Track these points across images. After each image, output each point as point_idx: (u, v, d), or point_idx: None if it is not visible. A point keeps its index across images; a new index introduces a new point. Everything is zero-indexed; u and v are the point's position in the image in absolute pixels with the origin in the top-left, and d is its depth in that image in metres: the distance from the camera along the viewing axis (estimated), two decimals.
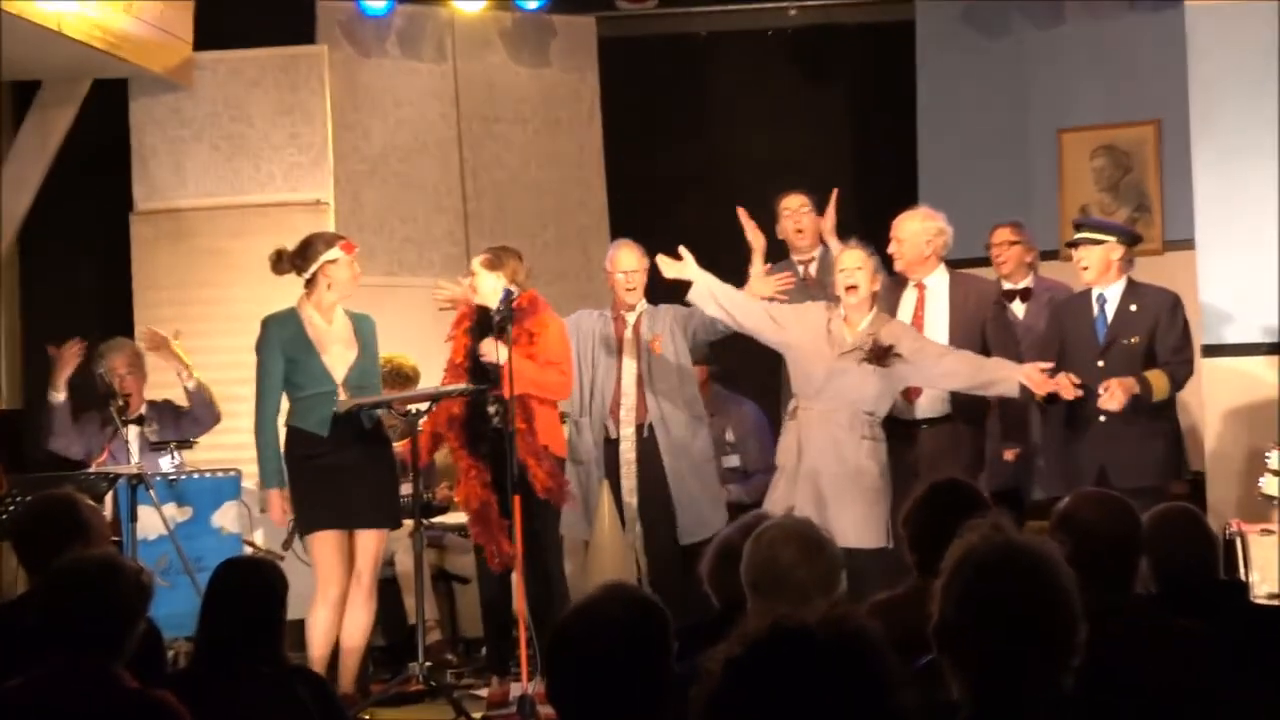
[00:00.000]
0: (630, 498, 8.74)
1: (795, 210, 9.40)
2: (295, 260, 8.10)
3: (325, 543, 7.98)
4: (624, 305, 8.86)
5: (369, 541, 8.03)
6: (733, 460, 9.96)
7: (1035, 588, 3.02)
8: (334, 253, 8.07)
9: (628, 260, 8.82)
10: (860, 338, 8.05)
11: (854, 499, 7.95)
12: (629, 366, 8.79)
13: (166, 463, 8.61)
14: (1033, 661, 3.00)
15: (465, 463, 8.32)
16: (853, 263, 8.13)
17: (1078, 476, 7.99)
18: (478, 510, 8.27)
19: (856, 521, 7.90)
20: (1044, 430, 8.81)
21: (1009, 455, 8.61)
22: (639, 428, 8.74)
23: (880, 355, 7.99)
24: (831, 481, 7.95)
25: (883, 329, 8.08)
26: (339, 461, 7.93)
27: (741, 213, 9.08)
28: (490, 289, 8.27)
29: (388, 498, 8.14)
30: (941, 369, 8.11)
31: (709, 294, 8.24)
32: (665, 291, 8.86)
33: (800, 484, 7.98)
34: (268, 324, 8.10)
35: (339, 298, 8.11)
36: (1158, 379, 8.15)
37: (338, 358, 8.05)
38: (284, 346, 8.00)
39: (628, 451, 8.77)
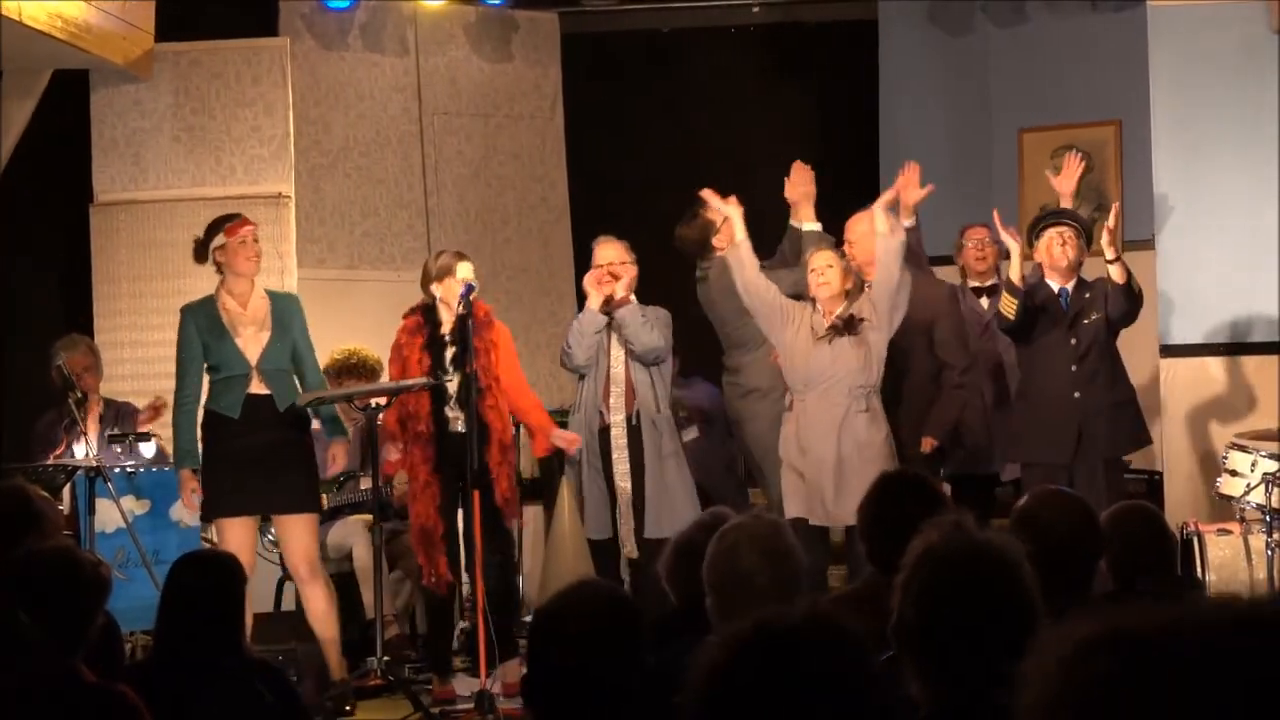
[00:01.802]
0: (624, 481, 8.67)
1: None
2: (198, 249, 8.06)
3: (230, 529, 7.81)
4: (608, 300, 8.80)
5: (293, 529, 7.89)
6: (692, 432, 9.97)
7: (996, 586, 3.02)
8: (219, 239, 7.97)
9: (606, 254, 8.77)
10: (820, 322, 8.22)
11: (861, 475, 8.03)
12: (616, 354, 8.74)
13: (124, 456, 8.58)
14: (993, 661, 2.99)
15: (424, 478, 8.27)
16: (823, 262, 8.32)
17: (1057, 447, 8.29)
18: (422, 528, 8.24)
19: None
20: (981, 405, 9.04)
21: (926, 446, 8.67)
22: (628, 415, 8.71)
23: (849, 325, 8.14)
24: (837, 463, 8.05)
25: (850, 308, 8.25)
26: (250, 445, 7.78)
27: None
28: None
29: (305, 482, 7.96)
30: (888, 295, 8.23)
31: (749, 259, 8.34)
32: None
33: (808, 473, 8.07)
34: (184, 311, 8.02)
35: (243, 279, 7.98)
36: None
37: (250, 340, 7.91)
38: (200, 332, 7.89)
39: (619, 438, 8.69)
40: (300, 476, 7.92)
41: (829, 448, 8.11)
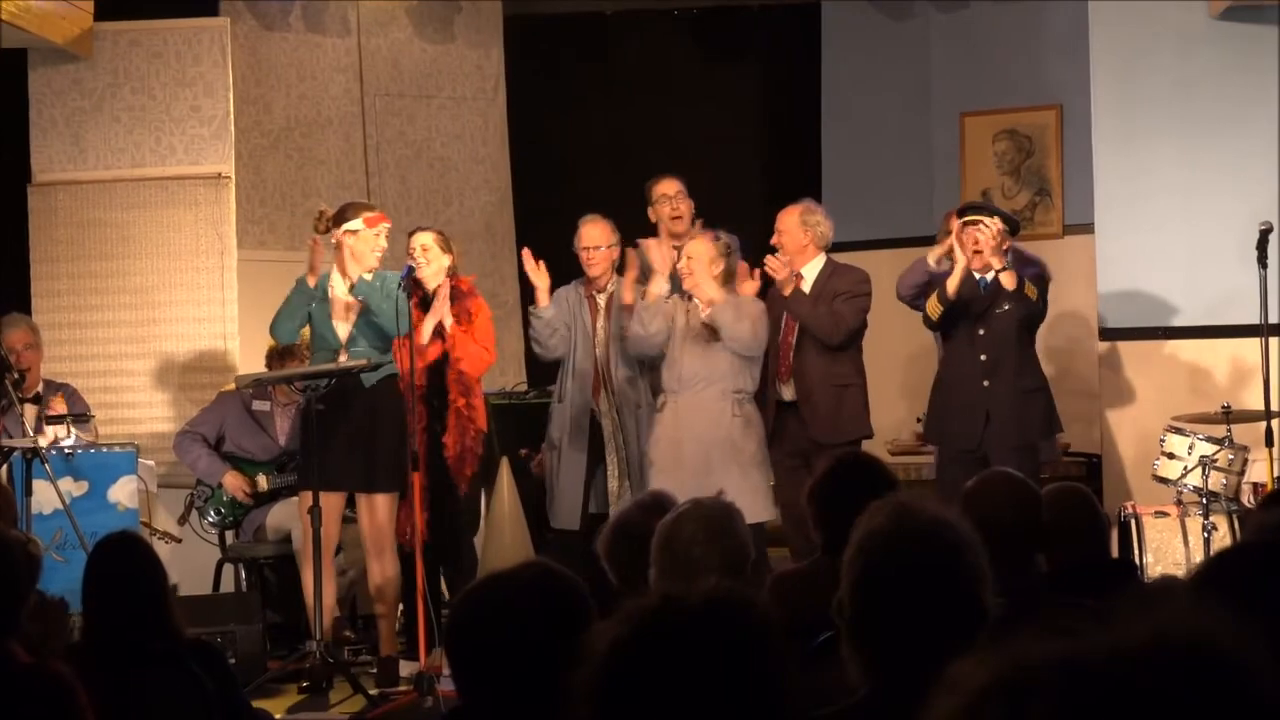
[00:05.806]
0: (614, 482, 8.67)
1: (673, 196, 9.28)
2: (330, 222, 8.33)
3: (309, 503, 8.12)
4: (593, 283, 8.80)
5: (366, 504, 8.13)
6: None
7: (937, 569, 3.01)
8: (356, 223, 8.26)
9: (590, 235, 8.75)
10: (696, 319, 8.24)
11: (737, 475, 8.02)
12: (603, 347, 8.73)
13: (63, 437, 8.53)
14: (934, 643, 2.97)
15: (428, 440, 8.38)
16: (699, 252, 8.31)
17: (966, 432, 8.50)
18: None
19: (741, 496, 7.97)
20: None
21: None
22: (617, 409, 8.71)
23: (711, 331, 8.16)
24: (710, 460, 8.04)
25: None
26: (338, 423, 8.03)
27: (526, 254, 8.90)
28: (437, 269, 8.38)
29: (383, 461, 8.15)
30: (736, 325, 8.22)
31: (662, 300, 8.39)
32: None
33: (682, 471, 8.00)
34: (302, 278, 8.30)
35: (360, 270, 8.24)
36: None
37: (341, 320, 8.25)
38: (313, 299, 8.22)
39: (614, 433, 8.73)
40: (386, 456, 8.14)
41: (702, 450, 8.10)
